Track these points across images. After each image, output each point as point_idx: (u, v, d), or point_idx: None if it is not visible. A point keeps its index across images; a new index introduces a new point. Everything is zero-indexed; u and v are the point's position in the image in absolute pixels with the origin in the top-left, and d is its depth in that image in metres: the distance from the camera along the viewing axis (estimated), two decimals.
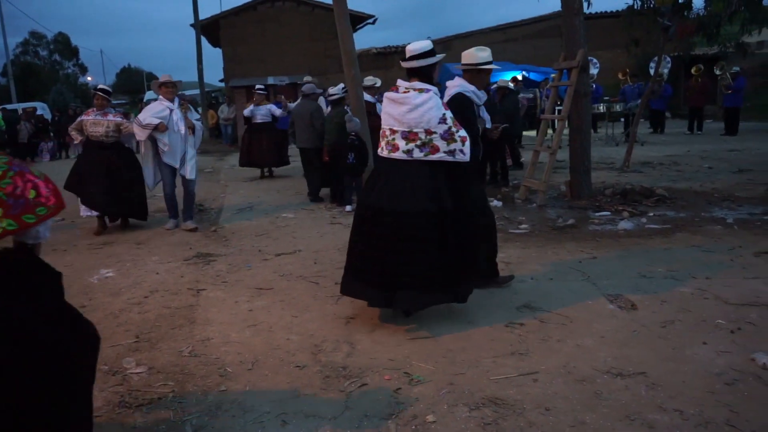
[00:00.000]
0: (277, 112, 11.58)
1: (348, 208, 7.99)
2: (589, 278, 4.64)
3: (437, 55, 3.83)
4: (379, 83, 9.97)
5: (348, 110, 8.82)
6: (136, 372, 3.38)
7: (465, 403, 2.86)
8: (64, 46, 64.83)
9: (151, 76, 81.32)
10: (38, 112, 21.73)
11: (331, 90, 8.85)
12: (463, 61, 4.27)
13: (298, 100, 10.55)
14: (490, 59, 4.26)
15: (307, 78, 11.69)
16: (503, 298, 4.29)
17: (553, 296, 4.27)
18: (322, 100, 10.96)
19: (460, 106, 4.05)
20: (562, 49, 8.26)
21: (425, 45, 3.83)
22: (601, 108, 14.77)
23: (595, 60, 14.86)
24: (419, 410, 2.82)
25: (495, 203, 7.75)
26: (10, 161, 1.77)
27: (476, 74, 4.25)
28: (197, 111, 9.62)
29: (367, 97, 9.68)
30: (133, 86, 74.94)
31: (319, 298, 4.51)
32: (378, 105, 9.74)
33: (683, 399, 2.81)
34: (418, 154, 3.69)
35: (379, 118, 9.62)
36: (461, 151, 3.69)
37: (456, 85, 4.25)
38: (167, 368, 3.42)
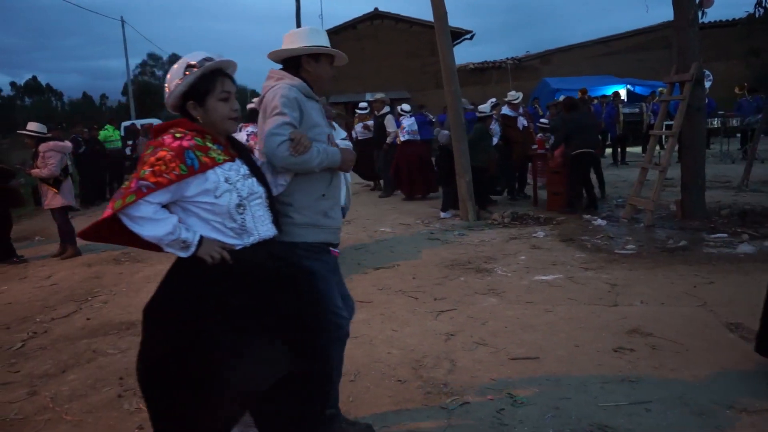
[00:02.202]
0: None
1: (442, 215, 8.58)
2: (705, 304, 4.36)
3: None
4: (520, 98, 10.17)
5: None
6: None
7: (572, 430, 2.76)
8: None
9: (255, 94, 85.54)
10: None
11: (481, 107, 9.22)
12: None
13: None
14: None
15: (379, 95, 11.85)
16: (610, 321, 4.11)
17: (665, 322, 4.04)
18: (390, 118, 11.12)
19: None
20: (669, 61, 7.90)
21: None
22: (715, 123, 13.88)
23: (708, 72, 14.04)
24: None
25: (599, 222, 7.47)
26: None
27: None
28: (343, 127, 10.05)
29: (508, 111, 9.91)
30: (239, 104, 79.18)
31: (419, 313, 4.53)
32: (520, 119, 9.89)
33: None
34: None
35: (518, 131, 9.89)
36: None
37: None
38: None
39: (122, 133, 19.15)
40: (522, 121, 9.98)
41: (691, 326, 3.94)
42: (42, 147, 7.28)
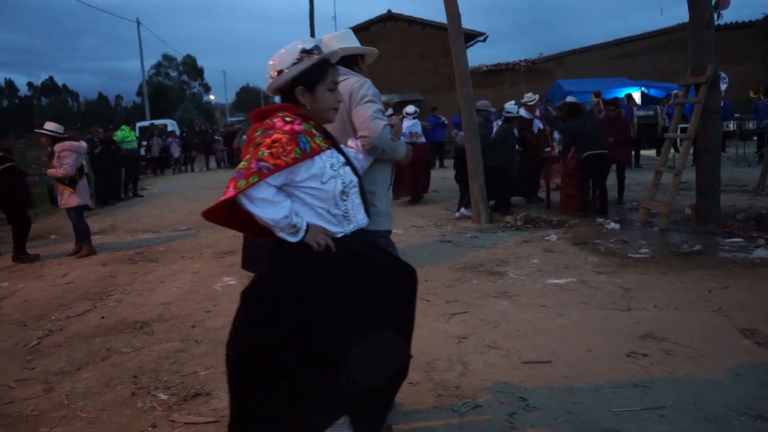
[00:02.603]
0: None
1: (457, 213, 8.85)
2: (720, 309, 4.32)
3: None
4: (536, 100, 10.35)
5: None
6: None
7: None
8: (191, 67, 70.01)
9: (268, 95, 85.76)
10: (169, 129, 23.58)
11: (507, 106, 9.25)
12: None
13: None
14: None
15: (385, 98, 11.84)
16: (623, 325, 4.09)
17: (679, 327, 4.01)
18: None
19: None
20: (685, 63, 7.84)
21: None
22: (731, 126, 13.75)
23: (724, 75, 13.91)
24: None
25: (612, 225, 7.43)
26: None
27: None
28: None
29: (524, 113, 9.93)
30: (250, 104, 79.60)
31: (431, 315, 4.52)
32: (535, 121, 9.90)
33: None
34: None
35: (533, 134, 9.92)
36: None
37: None
38: None
39: (137, 134, 19.31)
40: (537, 124, 9.97)
41: (706, 331, 3.91)
42: (57, 147, 7.36)
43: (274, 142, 2.02)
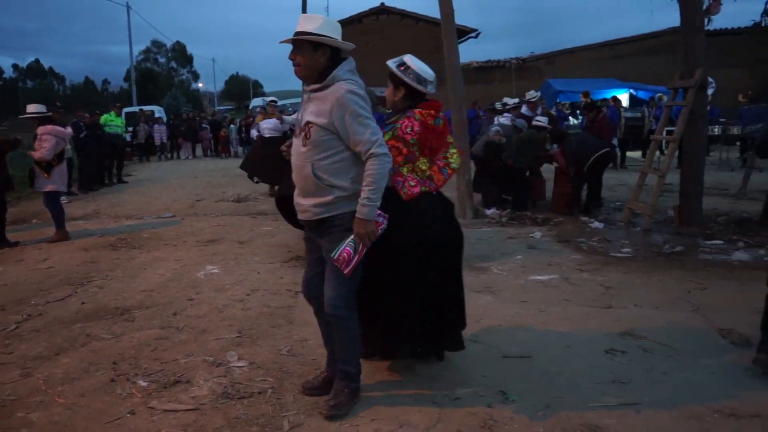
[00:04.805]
0: (280, 125, 10.39)
1: (488, 212, 8.47)
2: (698, 309, 4.38)
3: None
4: (538, 96, 10.43)
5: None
6: (238, 365, 3.54)
7: (562, 428, 2.77)
8: (180, 54, 69.30)
9: (257, 84, 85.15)
10: (156, 115, 23.33)
11: (539, 118, 9.13)
12: None
13: None
14: None
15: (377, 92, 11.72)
16: (603, 323, 4.13)
17: (658, 325, 4.06)
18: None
19: None
20: (674, 66, 7.91)
21: None
22: (716, 130, 13.90)
23: (711, 80, 14.00)
24: (514, 430, 2.77)
25: (596, 224, 7.49)
26: None
27: None
28: None
29: (525, 110, 9.90)
30: (239, 93, 78.98)
31: None
32: (537, 119, 9.79)
33: None
34: None
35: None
36: None
37: None
38: (267, 365, 3.56)
39: (123, 119, 19.06)
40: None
41: (684, 331, 3.96)
42: (40, 129, 7.27)
43: None
